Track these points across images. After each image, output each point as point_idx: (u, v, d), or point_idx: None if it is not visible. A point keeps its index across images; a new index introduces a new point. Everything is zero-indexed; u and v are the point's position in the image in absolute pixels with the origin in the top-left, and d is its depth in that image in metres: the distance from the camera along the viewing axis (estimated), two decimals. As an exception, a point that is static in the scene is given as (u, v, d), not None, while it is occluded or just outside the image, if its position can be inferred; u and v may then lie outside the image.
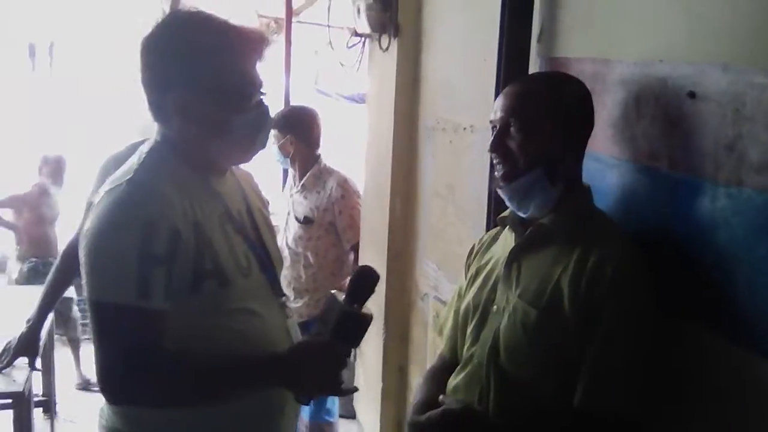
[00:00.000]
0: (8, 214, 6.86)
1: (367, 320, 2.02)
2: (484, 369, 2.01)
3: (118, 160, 2.24)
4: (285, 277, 4.62)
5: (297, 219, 4.61)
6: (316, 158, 4.67)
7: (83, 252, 1.91)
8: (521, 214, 2.05)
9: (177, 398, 1.96)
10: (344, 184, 4.53)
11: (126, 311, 1.85)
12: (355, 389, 2.26)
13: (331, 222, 4.51)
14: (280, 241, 4.76)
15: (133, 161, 2.03)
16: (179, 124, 2.01)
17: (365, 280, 2.04)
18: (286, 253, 4.65)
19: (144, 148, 2.08)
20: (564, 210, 1.97)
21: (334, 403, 4.55)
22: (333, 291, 2.11)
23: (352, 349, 2.10)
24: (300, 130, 4.65)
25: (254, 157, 2.18)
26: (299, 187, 4.66)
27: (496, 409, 1.98)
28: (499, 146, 1.99)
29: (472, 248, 2.34)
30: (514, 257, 2.03)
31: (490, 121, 2.03)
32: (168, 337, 1.90)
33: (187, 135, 2.03)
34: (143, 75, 2.02)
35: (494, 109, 2.03)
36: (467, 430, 1.92)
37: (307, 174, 4.64)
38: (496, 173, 2.03)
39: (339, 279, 4.44)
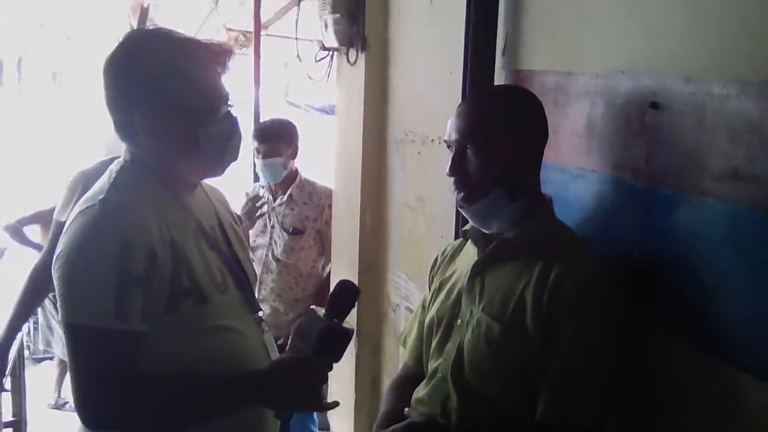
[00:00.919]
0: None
1: (348, 335, 2.00)
2: (448, 382, 2.02)
3: (87, 177, 2.23)
4: (273, 289, 4.63)
5: (285, 230, 4.58)
6: (296, 170, 4.66)
7: (57, 274, 1.88)
8: (485, 231, 2.06)
9: (156, 421, 1.92)
10: (329, 193, 4.54)
11: (103, 333, 1.82)
12: (336, 404, 2.25)
13: (318, 230, 4.52)
14: (265, 254, 4.75)
15: (104, 180, 2.01)
16: (146, 142, 1.99)
17: (345, 295, 2.02)
18: (273, 266, 4.63)
19: (114, 167, 2.05)
20: (526, 223, 1.98)
21: (311, 418, 4.55)
22: (312, 306, 2.07)
23: (333, 364, 2.08)
24: (295, 141, 4.61)
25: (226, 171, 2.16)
26: (285, 199, 4.61)
27: (460, 422, 1.98)
28: (456, 170, 2.00)
29: (436, 260, 2.35)
30: (478, 271, 2.04)
31: (445, 141, 2.04)
32: (146, 357, 1.87)
33: (155, 152, 2.01)
34: (107, 95, 2.00)
35: (448, 129, 2.03)
36: None
37: (292, 186, 4.61)
38: (457, 198, 2.03)
39: (327, 289, 4.42)
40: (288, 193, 4.62)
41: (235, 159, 2.14)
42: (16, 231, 6.68)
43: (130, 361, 1.85)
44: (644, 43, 1.91)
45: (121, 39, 2.04)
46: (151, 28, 2.04)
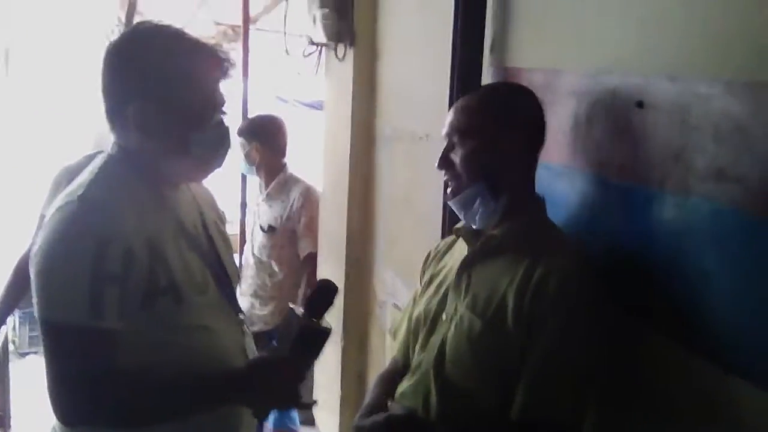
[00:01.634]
0: None
1: (326, 334, 2.01)
2: (430, 376, 2.02)
3: (72, 172, 2.22)
4: (251, 285, 4.69)
5: (261, 228, 4.62)
6: (282, 166, 4.70)
7: (34, 270, 1.87)
8: (473, 226, 2.07)
9: (131, 418, 1.92)
10: (307, 194, 4.56)
11: (78, 331, 1.81)
12: (314, 403, 2.26)
13: (294, 231, 4.53)
14: (246, 249, 4.82)
15: (85, 176, 1.99)
16: (136, 136, 1.98)
17: (324, 294, 2.03)
18: (251, 261, 4.69)
19: (97, 162, 2.04)
20: (515, 221, 1.99)
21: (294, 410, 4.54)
22: (291, 305, 2.08)
23: (312, 363, 2.10)
24: (265, 137, 4.68)
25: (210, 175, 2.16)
26: (265, 196, 4.68)
27: (440, 416, 1.99)
28: (443, 162, 2.03)
29: (428, 255, 2.35)
30: (465, 267, 2.04)
31: (443, 136, 2.06)
32: (123, 354, 1.87)
33: (142, 148, 2.00)
34: (104, 82, 1.99)
35: (445, 123, 2.05)
36: None
37: (273, 182, 4.66)
38: (447, 191, 2.06)
39: (307, 287, 4.44)
40: (267, 190, 4.67)
41: (220, 166, 2.13)
42: None
43: (105, 359, 1.84)
44: (631, 42, 1.92)
45: (129, 28, 2.03)
46: (160, 23, 2.02)
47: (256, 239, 4.70)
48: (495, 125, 1.97)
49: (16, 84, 8.98)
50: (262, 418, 2.10)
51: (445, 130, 2.04)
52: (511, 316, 1.88)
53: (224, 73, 2.04)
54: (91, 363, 1.83)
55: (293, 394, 2.03)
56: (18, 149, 8.23)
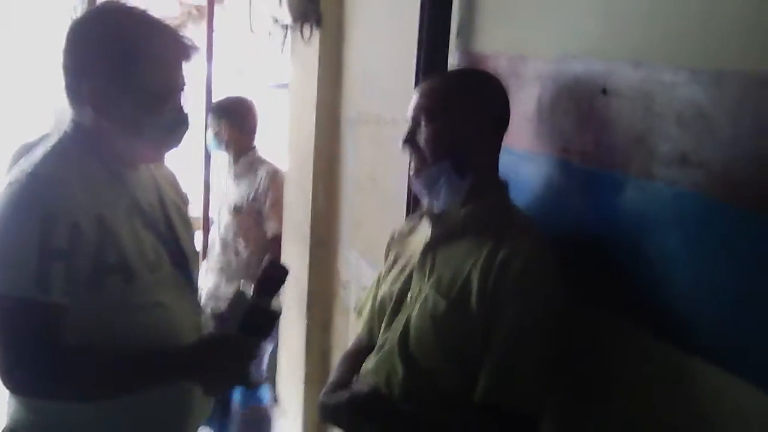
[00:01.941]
0: None
1: (275, 314, 2.07)
2: (395, 355, 2.04)
3: (30, 149, 2.21)
4: (217, 262, 4.74)
5: (228, 207, 4.65)
6: (251, 147, 4.74)
7: None
8: (436, 206, 2.08)
9: (78, 392, 1.95)
10: (273, 175, 4.58)
11: (24, 304, 1.84)
12: (260, 381, 2.29)
13: (260, 211, 4.54)
14: (213, 228, 4.87)
15: (38, 152, 2.00)
16: (91, 114, 1.99)
17: (274, 274, 2.06)
18: (218, 239, 4.72)
19: (52, 139, 2.05)
20: (478, 204, 2.01)
21: (264, 388, 4.57)
22: (241, 284, 2.12)
23: (260, 343, 2.13)
24: (234, 116, 4.71)
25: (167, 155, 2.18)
26: (233, 175, 4.71)
27: (403, 393, 2.01)
28: (409, 141, 2.04)
29: (392, 235, 2.37)
30: (429, 248, 2.06)
31: (408, 117, 2.07)
32: (73, 331, 1.89)
33: (97, 126, 2.01)
34: (63, 58, 2.00)
35: (410, 105, 2.06)
36: (372, 413, 1.96)
37: (240, 160, 4.69)
38: (411, 172, 2.07)
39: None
40: (234, 169, 4.69)
41: (176, 147, 2.15)
42: None
43: (51, 333, 1.86)
44: (596, 28, 1.93)
45: (94, 8, 2.04)
46: (127, 4, 2.04)
47: (223, 218, 4.73)
48: (459, 107, 1.99)
49: None
50: (212, 395, 2.13)
51: (410, 112, 2.05)
52: (475, 298, 1.90)
53: (186, 57, 2.05)
54: (36, 336, 1.85)
55: (241, 373, 2.07)
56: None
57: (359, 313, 2.41)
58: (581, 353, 1.96)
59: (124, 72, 1.96)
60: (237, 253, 4.65)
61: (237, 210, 4.61)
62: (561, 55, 2.05)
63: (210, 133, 4.78)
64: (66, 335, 1.88)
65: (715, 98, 1.57)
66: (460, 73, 2.29)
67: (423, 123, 2.01)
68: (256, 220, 4.59)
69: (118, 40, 1.96)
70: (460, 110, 1.99)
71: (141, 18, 2.02)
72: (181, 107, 2.08)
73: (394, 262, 2.25)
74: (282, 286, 2.06)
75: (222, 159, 4.96)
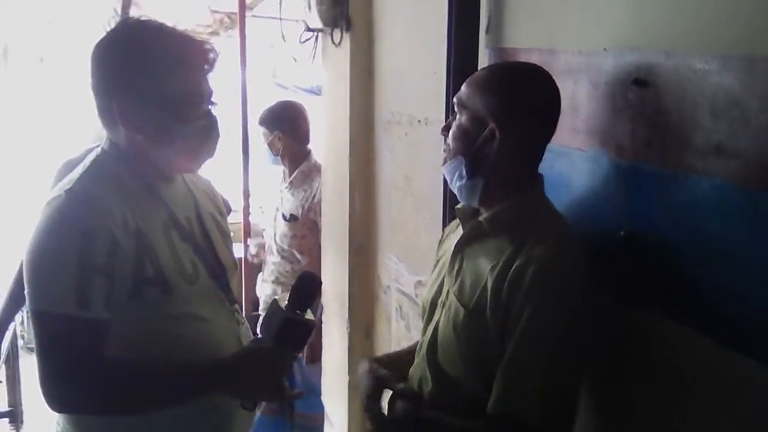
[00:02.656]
0: None
1: (309, 327, 2.07)
2: (425, 362, 2.04)
3: (72, 166, 2.24)
4: (272, 272, 4.73)
5: (283, 216, 4.63)
6: (307, 154, 4.71)
7: (24, 263, 1.92)
8: (463, 202, 2.05)
9: (118, 407, 1.97)
10: None
11: (66, 321, 1.86)
12: (300, 394, 2.28)
13: (315, 221, 4.52)
14: (269, 237, 4.85)
15: (78, 170, 2.04)
16: (123, 130, 2.02)
17: (307, 287, 2.07)
18: (274, 248, 4.70)
19: (90, 157, 2.08)
20: (506, 203, 1.95)
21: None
22: (276, 297, 2.12)
23: (295, 355, 2.14)
24: (287, 125, 4.68)
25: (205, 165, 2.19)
26: (288, 184, 4.68)
27: (432, 400, 2.01)
28: (445, 129, 2.03)
29: (441, 236, 2.36)
30: (458, 250, 2.04)
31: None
32: (113, 344, 1.91)
33: (130, 142, 2.04)
34: (92, 79, 2.03)
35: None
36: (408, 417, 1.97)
37: (296, 171, 4.66)
38: None
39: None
40: (290, 178, 4.65)
41: (211, 156, 2.16)
42: None
43: (93, 349, 1.89)
44: (626, 19, 1.90)
45: (113, 26, 2.08)
46: (143, 18, 2.07)
47: (278, 227, 4.70)
48: (496, 106, 1.91)
49: (15, 79, 8.97)
50: (249, 408, 2.12)
51: (455, 99, 2.02)
52: (489, 306, 1.86)
53: (209, 65, 2.07)
54: (78, 353, 1.87)
55: (275, 385, 2.06)
56: (18, 145, 8.23)
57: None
58: (618, 350, 1.92)
59: (147, 84, 1.98)
60: (292, 262, 4.63)
61: (293, 219, 4.59)
62: (591, 47, 2.01)
63: (265, 146, 4.76)
64: (107, 350, 1.91)
65: (748, 85, 1.53)
66: (512, 69, 2.09)
67: (458, 113, 1.98)
68: (311, 229, 4.57)
69: (138, 53, 1.99)
70: (489, 109, 1.91)
71: (159, 30, 2.05)
72: (209, 112, 2.09)
73: (436, 264, 2.25)
74: (316, 299, 2.07)
75: (263, 167, 4.96)
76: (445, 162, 2.01)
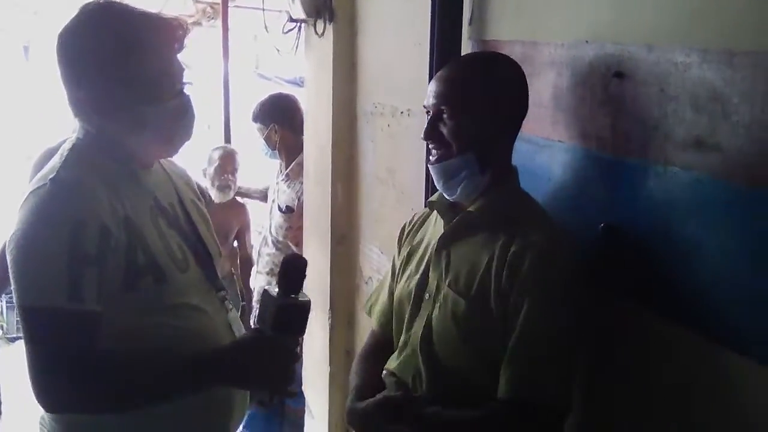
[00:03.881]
0: None
1: (305, 308, 1.99)
2: (418, 356, 2.02)
3: (51, 154, 2.20)
4: (267, 263, 4.73)
5: (279, 208, 4.62)
6: (302, 146, 4.61)
7: (10, 256, 1.85)
8: (448, 197, 2.04)
9: (116, 402, 1.90)
10: None
11: (58, 315, 1.78)
12: (295, 393, 2.24)
13: None
14: (264, 228, 4.83)
15: (56, 159, 1.98)
16: (95, 118, 1.97)
17: (293, 269, 2.00)
18: (269, 240, 4.70)
19: (66, 146, 2.02)
20: (492, 196, 1.98)
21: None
22: (266, 287, 2.05)
23: (298, 339, 2.06)
24: (282, 117, 4.65)
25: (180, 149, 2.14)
26: (284, 176, 4.67)
27: (430, 394, 1.99)
28: (432, 133, 1.99)
29: (403, 229, 2.35)
30: (443, 245, 2.04)
31: (424, 107, 2.03)
32: (106, 337, 1.84)
33: (104, 129, 1.99)
34: (59, 69, 1.97)
35: (428, 94, 2.02)
36: (406, 417, 1.91)
37: (293, 163, 4.64)
38: (430, 158, 2.03)
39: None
40: (287, 171, 4.65)
41: (188, 138, 2.11)
42: None
43: (87, 342, 1.81)
44: (608, 11, 1.90)
45: (76, 13, 1.99)
46: (107, 1, 2.00)
47: (274, 219, 4.70)
48: (485, 93, 1.95)
49: (37, 75, 8.95)
50: (266, 404, 2.05)
51: (431, 100, 2.00)
52: (493, 293, 1.88)
53: (179, 43, 2.01)
54: (72, 348, 1.79)
55: (287, 373, 2.00)
56: (37, 138, 8.20)
57: (369, 311, 2.40)
58: (601, 344, 1.93)
59: (112, 68, 1.92)
60: (287, 254, 4.58)
61: (288, 211, 4.59)
62: (574, 39, 2.02)
63: (261, 140, 4.73)
64: (101, 343, 1.84)
65: (728, 79, 1.54)
66: (479, 59, 2.20)
67: (446, 115, 1.96)
68: None
69: (101, 36, 1.93)
70: (484, 100, 1.95)
71: (121, 10, 1.98)
72: (181, 92, 2.03)
73: (409, 257, 2.22)
74: (304, 278, 1.99)
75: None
76: (441, 160, 1.99)
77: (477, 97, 1.95)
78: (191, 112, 2.07)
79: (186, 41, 2.03)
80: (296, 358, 2.03)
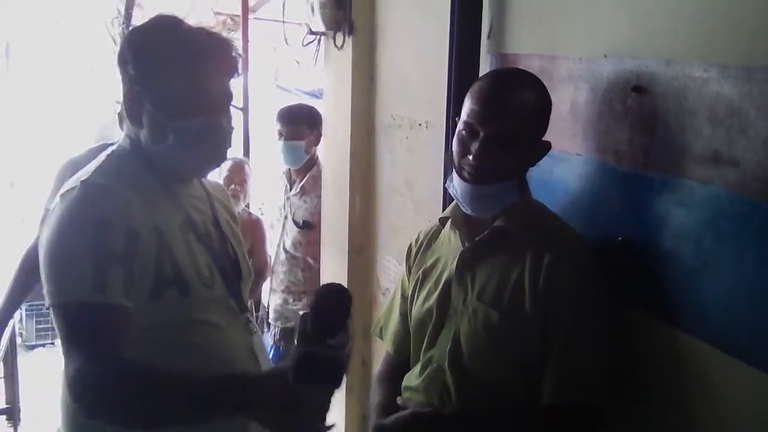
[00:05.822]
0: None
1: (336, 361, 1.62)
2: (446, 372, 2.01)
3: (75, 165, 2.22)
4: (282, 281, 4.65)
5: (296, 223, 4.55)
6: (316, 158, 4.58)
7: (42, 260, 1.86)
8: (473, 213, 2.01)
9: (137, 411, 1.78)
10: None
11: (85, 308, 1.78)
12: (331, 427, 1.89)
13: None
14: (276, 245, 4.73)
15: (92, 164, 2.00)
16: (133, 127, 2.01)
17: (332, 303, 1.65)
18: (283, 257, 4.63)
19: (106, 152, 2.05)
20: (516, 210, 1.98)
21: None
22: (302, 312, 1.66)
23: (331, 392, 1.72)
24: (318, 124, 4.49)
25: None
26: (298, 190, 4.58)
27: (459, 410, 1.99)
28: (482, 157, 1.90)
29: (409, 249, 2.31)
30: (471, 260, 2.02)
31: (466, 122, 1.93)
32: (133, 352, 1.80)
33: (140, 138, 2.01)
34: (120, 69, 2.01)
35: (471, 110, 1.92)
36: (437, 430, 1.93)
37: (307, 176, 4.57)
38: (464, 174, 1.94)
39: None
40: (301, 184, 4.58)
41: (214, 162, 2.12)
42: None
43: (116, 338, 1.79)
44: (627, 26, 1.92)
45: (144, 22, 2.07)
46: (177, 18, 2.03)
47: (289, 234, 4.62)
48: (540, 128, 1.97)
49: (17, 77, 8.98)
50: None
51: (481, 121, 1.89)
52: (529, 303, 1.89)
53: (229, 68, 2.02)
54: (101, 342, 1.77)
55: (305, 428, 1.75)
56: (20, 143, 8.24)
57: (379, 334, 2.39)
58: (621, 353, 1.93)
59: (149, 79, 1.95)
60: (304, 270, 4.58)
61: (307, 226, 4.52)
62: (592, 54, 2.03)
63: (288, 144, 4.52)
64: (128, 342, 1.81)
65: (746, 94, 1.55)
66: (531, 86, 1.99)
67: (501, 139, 1.88)
68: None
69: (146, 49, 1.96)
70: (538, 132, 1.97)
71: (173, 27, 2.00)
72: (215, 118, 2.01)
73: (423, 277, 2.19)
74: (347, 317, 1.65)
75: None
76: (483, 182, 1.92)
77: (534, 131, 1.95)
78: (221, 137, 2.05)
79: (237, 70, 2.04)
80: (320, 413, 1.74)
